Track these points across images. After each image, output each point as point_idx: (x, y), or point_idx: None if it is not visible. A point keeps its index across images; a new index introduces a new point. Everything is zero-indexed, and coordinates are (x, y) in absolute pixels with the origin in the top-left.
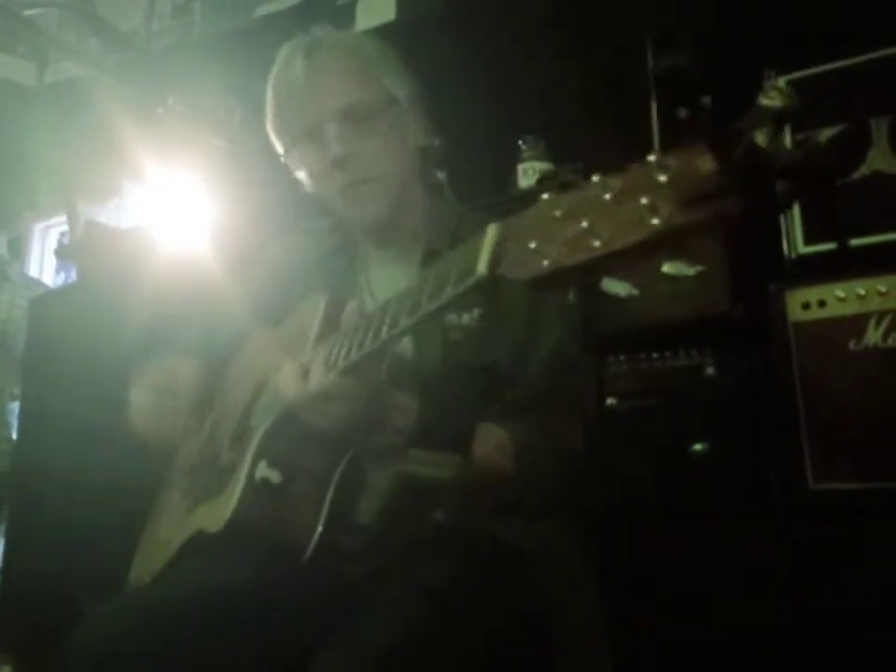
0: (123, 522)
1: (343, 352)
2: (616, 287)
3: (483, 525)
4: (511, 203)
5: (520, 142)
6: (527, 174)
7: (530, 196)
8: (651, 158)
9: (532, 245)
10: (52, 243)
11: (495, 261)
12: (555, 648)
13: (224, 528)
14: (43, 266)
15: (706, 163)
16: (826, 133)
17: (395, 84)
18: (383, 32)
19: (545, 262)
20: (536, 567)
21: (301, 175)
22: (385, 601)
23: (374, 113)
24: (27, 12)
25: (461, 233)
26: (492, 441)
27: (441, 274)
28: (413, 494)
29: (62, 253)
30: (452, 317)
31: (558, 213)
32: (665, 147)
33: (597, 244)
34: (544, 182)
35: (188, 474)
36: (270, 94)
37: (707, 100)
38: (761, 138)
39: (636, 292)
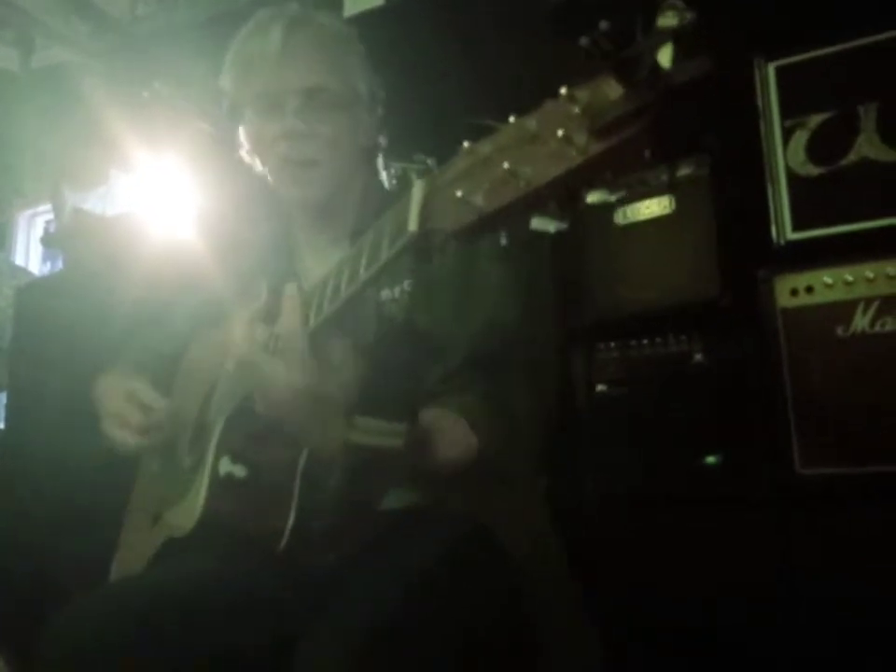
0: (110, 510)
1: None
2: (544, 224)
3: (456, 506)
4: None
5: None
6: None
7: None
8: (563, 91)
9: (459, 195)
10: (38, 231)
11: (424, 217)
12: (539, 635)
13: (194, 528)
14: (29, 254)
15: (612, 90)
16: (816, 120)
17: (361, 79)
18: (370, 18)
19: (474, 209)
20: (516, 556)
21: (244, 139)
22: (366, 589)
23: (335, 104)
24: None
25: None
26: (449, 429)
27: (376, 240)
28: (363, 465)
29: (48, 241)
30: (385, 292)
31: (480, 159)
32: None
33: (521, 183)
34: None
35: (152, 481)
36: (238, 50)
37: (605, 25)
38: (664, 58)
39: (563, 226)
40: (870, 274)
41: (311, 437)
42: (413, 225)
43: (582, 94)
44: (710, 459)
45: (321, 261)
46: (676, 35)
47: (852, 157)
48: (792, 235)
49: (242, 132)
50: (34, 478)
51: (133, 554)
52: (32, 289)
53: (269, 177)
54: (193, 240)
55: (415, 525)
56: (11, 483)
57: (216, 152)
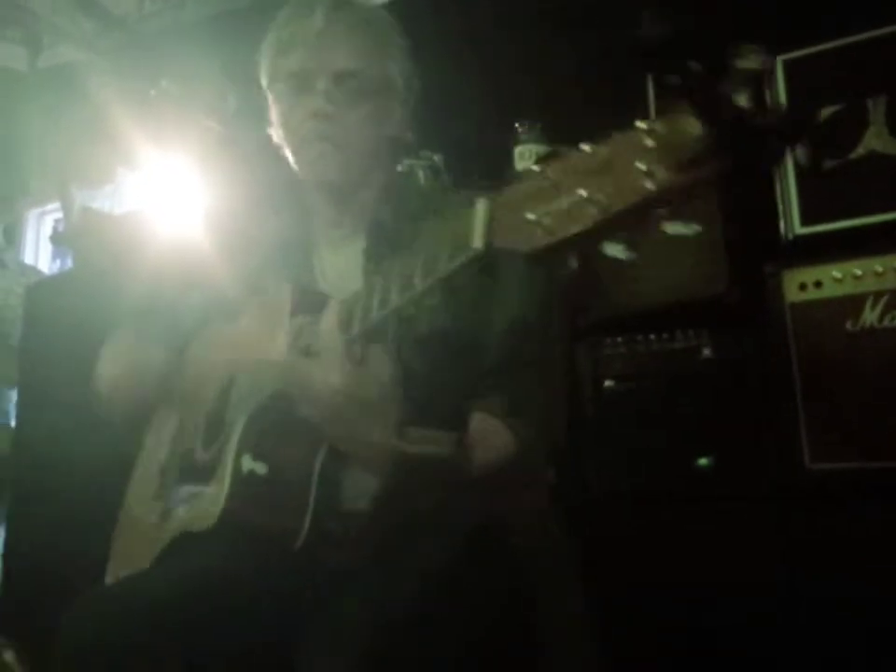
0: (118, 508)
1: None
2: (615, 250)
3: (473, 510)
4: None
5: (516, 125)
6: (523, 157)
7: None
8: (640, 124)
9: (529, 217)
10: (47, 229)
11: (489, 235)
12: (540, 635)
13: (215, 524)
14: (38, 253)
15: (692, 127)
16: (824, 113)
17: (396, 70)
18: None
19: (546, 232)
20: (525, 554)
21: (274, 117)
22: (375, 587)
23: (367, 90)
24: None
25: (408, 208)
26: (488, 433)
27: (431, 252)
28: (409, 473)
29: (57, 239)
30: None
31: (551, 183)
32: (660, 115)
33: (596, 210)
34: None
35: (158, 475)
36: (280, 26)
37: (696, 66)
38: (742, 99)
39: (632, 255)
40: (879, 268)
41: (349, 439)
42: (478, 242)
43: (659, 128)
44: (703, 461)
45: (336, 254)
46: (756, 78)
47: (861, 150)
48: (801, 230)
49: (272, 109)
50: (47, 472)
51: (136, 551)
52: (41, 288)
53: (291, 158)
54: (201, 238)
55: (428, 523)
56: (25, 479)
57: (224, 150)
